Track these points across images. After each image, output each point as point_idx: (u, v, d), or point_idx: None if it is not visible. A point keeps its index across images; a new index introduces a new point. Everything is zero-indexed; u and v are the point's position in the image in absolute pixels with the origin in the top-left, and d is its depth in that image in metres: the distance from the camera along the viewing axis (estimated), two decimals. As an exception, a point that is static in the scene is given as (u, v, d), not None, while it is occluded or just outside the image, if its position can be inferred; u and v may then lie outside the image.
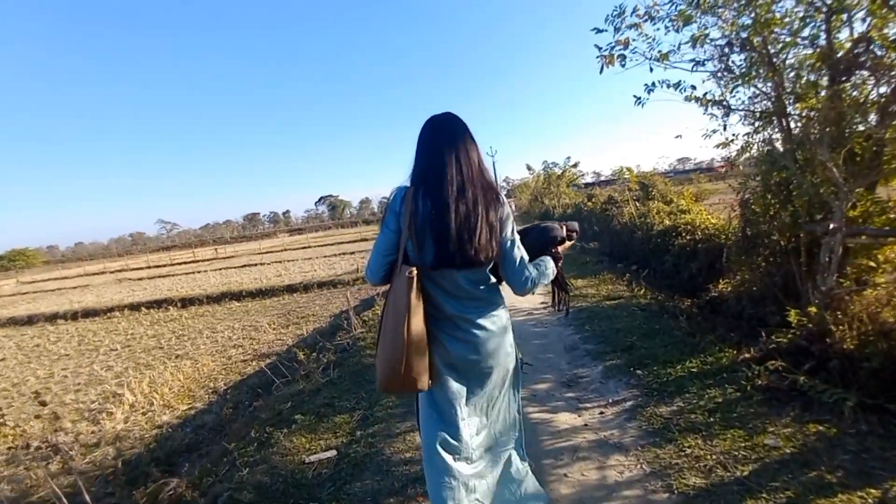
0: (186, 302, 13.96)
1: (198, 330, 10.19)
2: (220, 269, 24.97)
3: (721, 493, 1.85)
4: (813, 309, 3.06)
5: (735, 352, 3.23)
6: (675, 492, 1.90)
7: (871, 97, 3.16)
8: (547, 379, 3.26)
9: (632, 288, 5.51)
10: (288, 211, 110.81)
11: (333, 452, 2.51)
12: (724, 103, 3.93)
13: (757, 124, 4.12)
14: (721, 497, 1.84)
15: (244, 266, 24.94)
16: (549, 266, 1.61)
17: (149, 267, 35.32)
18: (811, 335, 2.99)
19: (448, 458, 1.46)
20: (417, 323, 1.35)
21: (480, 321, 1.45)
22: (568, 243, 1.83)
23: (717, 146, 4.74)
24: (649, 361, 3.25)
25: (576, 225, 1.98)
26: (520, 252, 1.48)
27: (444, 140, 1.43)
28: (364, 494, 2.12)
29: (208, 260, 34.79)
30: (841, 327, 2.85)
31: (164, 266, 34.25)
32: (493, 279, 1.53)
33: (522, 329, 4.40)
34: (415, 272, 1.34)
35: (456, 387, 1.46)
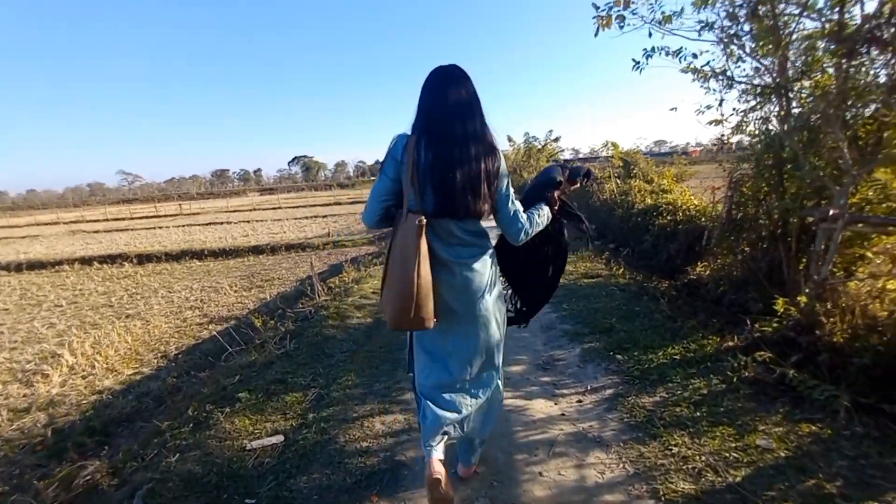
0: (143, 258, 13.22)
1: (153, 289, 9.61)
2: (184, 226, 23.92)
3: (713, 501, 1.65)
4: (803, 298, 2.90)
5: (718, 339, 3.07)
6: (663, 498, 1.69)
7: (879, 77, 2.93)
8: (521, 360, 3.02)
9: (610, 267, 5.32)
10: (259, 169, 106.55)
11: (280, 438, 2.20)
12: (727, 74, 3.65)
13: (755, 101, 3.89)
14: (713, 506, 1.64)
15: (209, 224, 23.93)
16: (543, 213, 1.70)
17: (106, 220, 33.58)
18: (799, 326, 2.83)
19: (443, 391, 1.61)
20: (425, 267, 1.43)
21: (472, 265, 1.54)
22: (572, 186, 1.87)
23: (710, 123, 4.51)
24: (629, 345, 3.05)
25: (583, 169, 1.92)
26: (514, 206, 1.57)
27: (449, 91, 1.45)
28: (310, 491, 1.83)
29: (171, 216, 33.31)
30: (831, 319, 2.70)
31: (124, 220, 32.60)
32: (484, 227, 1.59)
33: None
34: (423, 220, 1.41)
35: (452, 325, 1.58)
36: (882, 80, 2.84)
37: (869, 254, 2.96)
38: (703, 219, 5.45)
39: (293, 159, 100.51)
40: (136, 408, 4.25)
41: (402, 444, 2.14)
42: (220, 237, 17.72)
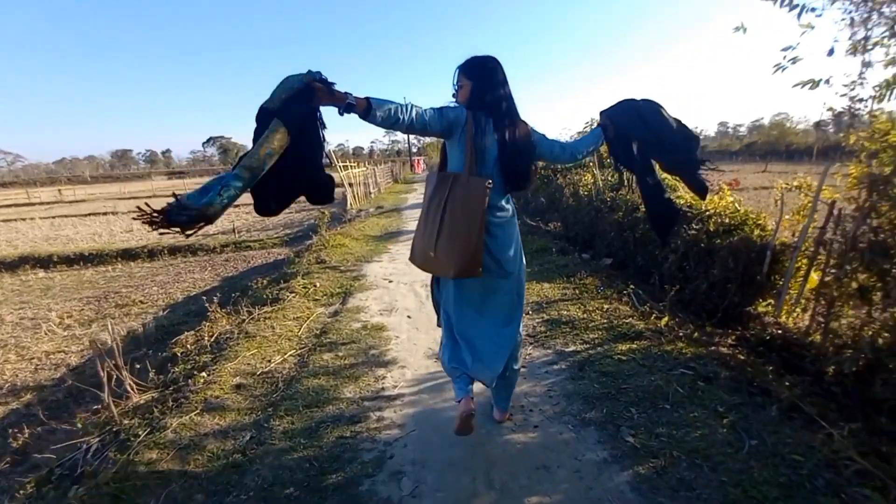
0: (-40, 269, 9.45)
1: (-61, 324, 6.32)
2: (56, 217, 19.29)
3: None
4: None
5: None
6: None
7: None
8: None
9: (635, 308, 3.35)
10: (169, 150, 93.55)
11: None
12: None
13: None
14: None
15: (89, 215, 19.45)
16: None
17: (-40, 208, 27.08)
18: None
19: (470, 323, 1.77)
20: (483, 224, 1.61)
21: (507, 227, 1.74)
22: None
23: (801, 86, 2.72)
24: None
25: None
26: (553, 142, 1.83)
27: (502, 79, 1.68)
28: None
29: (47, 204, 27.54)
30: None
31: (-18, 209, 26.37)
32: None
33: (489, 443, 1.99)
34: (491, 183, 1.61)
35: (487, 278, 1.72)
36: None
37: None
38: (755, 230, 3.68)
39: (208, 140, 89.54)
40: None
41: None
42: (94, 233, 13.92)
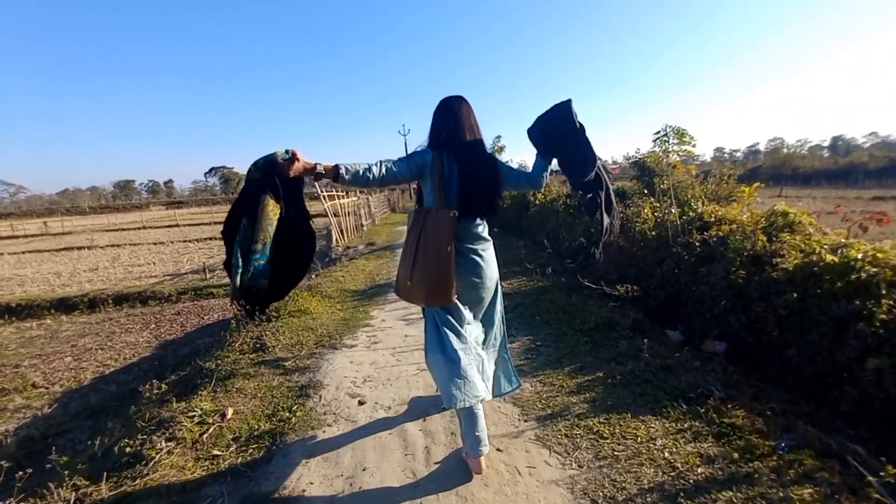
0: None
1: None
2: (27, 253, 17.49)
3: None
4: None
5: None
6: None
7: None
8: None
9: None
10: (171, 180, 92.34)
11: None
12: None
13: None
14: None
15: (63, 249, 17.60)
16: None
17: (-64, 243, 25.29)
18: None
19: (457, 348, 1.71)
20: (452, 253, 1.67)
21: (481, 253, 1.80)
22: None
23: None
24: None
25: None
26: (518, 171, 1.91)
27: (463, 116, 1.78)
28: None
29: (30, 237, 25.82)
30: None
31: (-42, 242, 24.60)
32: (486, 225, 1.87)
33: None
34: (456, 213, 1.66)
35: (464, 300, 1.82)
36: None
37: None
38: None
39: (210, 170, 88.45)
40: None
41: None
42: (55, 272, 12.05)
